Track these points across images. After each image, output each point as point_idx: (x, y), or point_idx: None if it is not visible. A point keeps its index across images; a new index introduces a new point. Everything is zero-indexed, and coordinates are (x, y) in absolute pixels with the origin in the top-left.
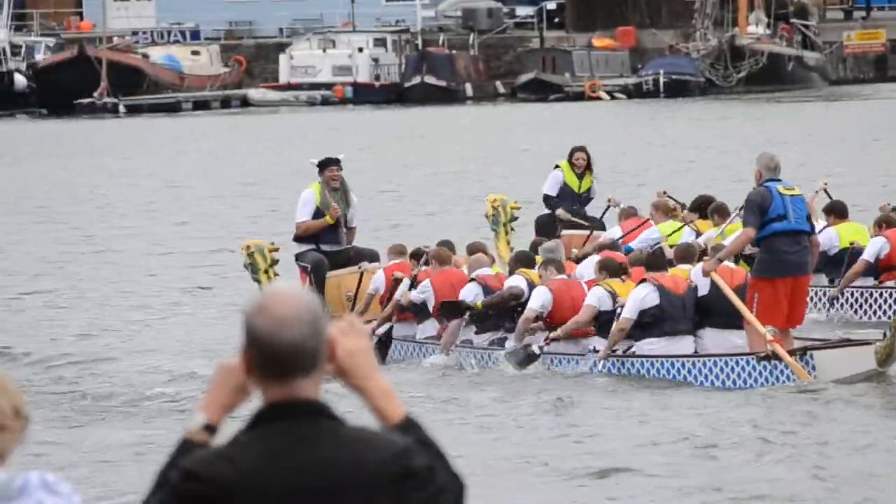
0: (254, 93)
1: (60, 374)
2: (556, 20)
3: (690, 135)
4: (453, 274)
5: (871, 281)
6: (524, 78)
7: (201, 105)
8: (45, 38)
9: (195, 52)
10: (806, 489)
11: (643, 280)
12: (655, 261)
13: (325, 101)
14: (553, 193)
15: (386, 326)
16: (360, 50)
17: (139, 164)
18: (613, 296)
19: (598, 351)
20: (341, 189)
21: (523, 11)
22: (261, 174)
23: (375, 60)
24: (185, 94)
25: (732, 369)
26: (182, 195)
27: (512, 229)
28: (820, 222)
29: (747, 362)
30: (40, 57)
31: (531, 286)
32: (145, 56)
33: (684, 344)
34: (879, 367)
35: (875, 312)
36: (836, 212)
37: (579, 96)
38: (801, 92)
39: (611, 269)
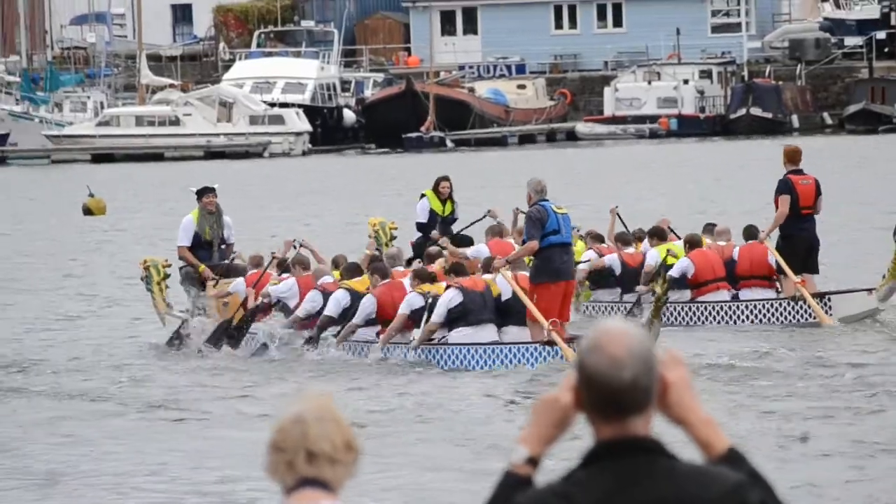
0: (581, 126)
1: None
2: (886, 50)
3: None
4: (310, 279)
5: (687, 295)
6: (852, 109)
7: (527, 139)
8: (373, 74)
9: (521, 86)
10: None
11: (448, 286)
12: (457, 268)
13: (653, 134)
14: (424, 220)
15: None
16: (686, 82)
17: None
18: (425, 296)
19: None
20: (216, 213)
21: (852, 41)
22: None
23: (701, 92)
24: (510, 127)
25: (523, 354)
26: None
27: (393, 247)
28: (644, 243)
29: (535, 348)
30: (369, 92)
31: (353, 295)
32: (471, 90)
33: (487, 331)
34: None
35: (691, 322)
36: (657, 235)
37: None
38: None
39: (423, 277)
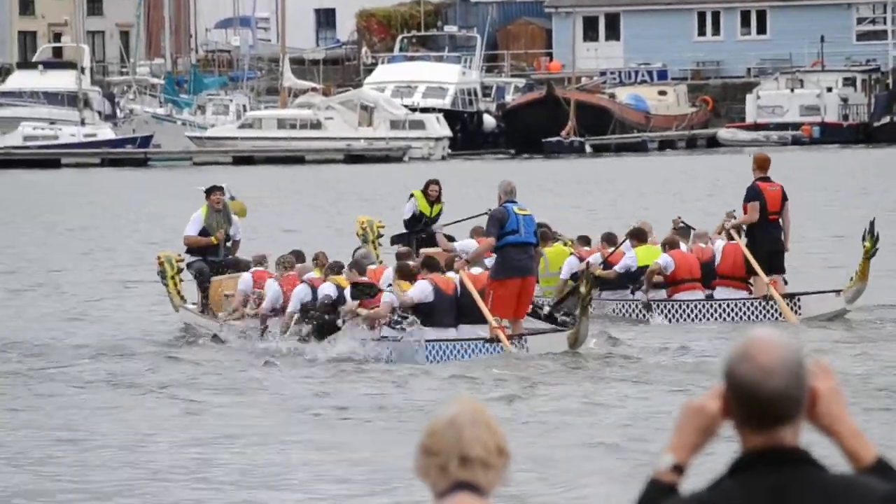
0: (723, 132)
1: None
2: None
3: None
4: (295, 278)
5: (663, 293)
6: None
7: (667, 144)
8: (514, 80)
9: (662, 92)
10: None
11: (423, 278)
12: (430, 263)
13: (795, 141)
14: (407, 217)
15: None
16: (829, 90)
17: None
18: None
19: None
20: (224, 210)
21: None
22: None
23: (844, 100)
24: (651, 133)
25: (472, 349)
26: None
27: (379, 244)
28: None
29: (483, 344)
30: (510, 98)
31: (339, 289)
32: (612, 96)
33: (448, 334)
34: (571, 348)
35: (670, 318)
36: (637, 236)
37: None
38: None
39: (403, 273)
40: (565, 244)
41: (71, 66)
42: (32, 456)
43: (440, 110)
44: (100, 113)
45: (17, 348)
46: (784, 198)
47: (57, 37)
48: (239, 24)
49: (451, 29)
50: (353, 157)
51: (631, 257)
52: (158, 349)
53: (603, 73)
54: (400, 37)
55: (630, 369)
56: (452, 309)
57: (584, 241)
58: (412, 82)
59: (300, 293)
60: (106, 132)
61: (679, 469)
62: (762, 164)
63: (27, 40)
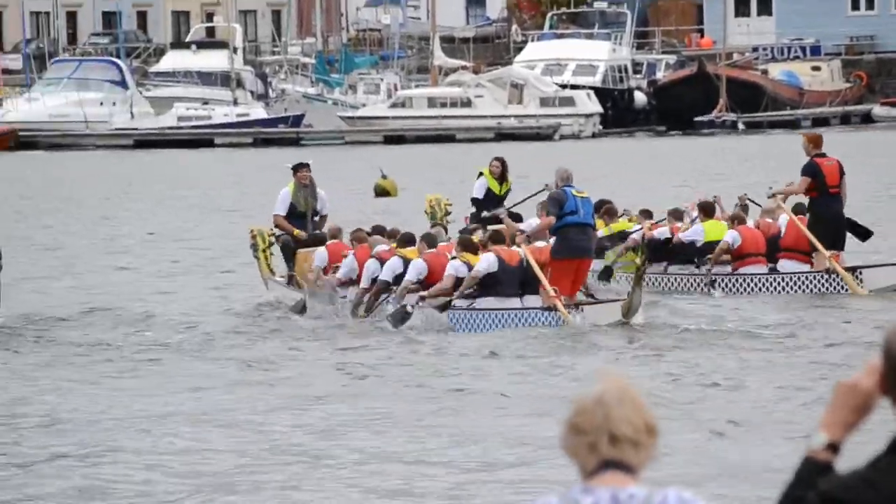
0: (878, 109)
1: None
2: None
3: None
4: (367, 249)
5: (727, 268)
6: None
7: (820, 121)
8: (665, 56)
9: (815, 68)
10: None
11: (489, 250)
12: (496, 237)
13: None
14: (480, 196)
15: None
16: None
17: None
18: (468, 265)
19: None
20: (310, 186)
21: None
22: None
23: None
24: (804, 110)
25: (534, 317)
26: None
27: (448, 222)
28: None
29: (543, 313)
30: (660, 74)
31: (405, 262)
32: (764, 72)
33: (512, 303)
34: (624, 319)
35: (734, 292)
36: (705, 211)
37: None
38: None
39: (466, 246)
40: (630, 220)
41: (223, 45)
42: (116, 416)
43: (590, 87)
44: (252, 92)
45: (147, 322)
46: (842, 172)
47: (209, 16)
48: (389, 3)
49: (601, 5)
50: (504, 136)
51: (698, 230)
52: (264, 324)
53: (755, 49)
54: (550, 14)
55: (694, 342)
56: (516, 280)
57: (647, 214)
58: (562, 60)
59: (370, 268)
60: (258, 112)
61: (834, 447)
62: (816, 142)
63: (180, 20)
